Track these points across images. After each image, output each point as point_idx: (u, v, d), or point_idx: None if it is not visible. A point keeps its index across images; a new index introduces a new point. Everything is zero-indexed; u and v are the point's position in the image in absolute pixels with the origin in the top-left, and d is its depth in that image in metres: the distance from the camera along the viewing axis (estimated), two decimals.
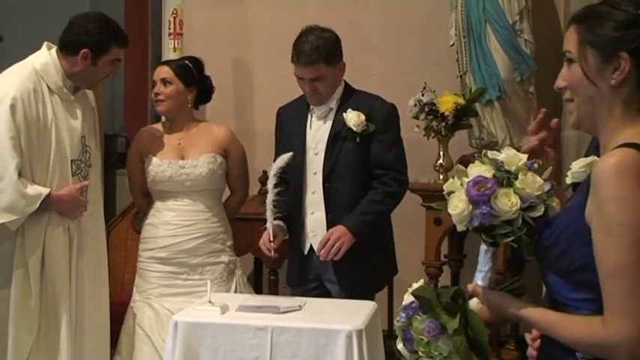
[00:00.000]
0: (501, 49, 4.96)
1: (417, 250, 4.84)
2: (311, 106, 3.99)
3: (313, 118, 3.99)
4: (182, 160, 4.14)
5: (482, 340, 2.02)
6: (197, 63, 4.33)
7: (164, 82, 4.20)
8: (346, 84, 4.02)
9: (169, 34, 5.41)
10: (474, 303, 2.06)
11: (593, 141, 2.85)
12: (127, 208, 5.29)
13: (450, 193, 2.02)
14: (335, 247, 3.81)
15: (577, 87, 1.93)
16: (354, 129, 3.85)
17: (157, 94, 4.21)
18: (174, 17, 5.38)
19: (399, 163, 3.94)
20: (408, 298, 2.14)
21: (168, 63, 4.36)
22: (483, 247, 2.06)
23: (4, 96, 3.62)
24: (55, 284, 3.73)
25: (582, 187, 1.84)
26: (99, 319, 3.94)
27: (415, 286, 2.16)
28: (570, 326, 1.83)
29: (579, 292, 1.82)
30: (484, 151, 2.06)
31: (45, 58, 3.76)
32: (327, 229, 3.89)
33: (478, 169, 1.99)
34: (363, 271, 3.90)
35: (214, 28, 5.60)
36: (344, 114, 3.88)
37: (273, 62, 5.55)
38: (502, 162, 1.99)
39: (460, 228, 2.01)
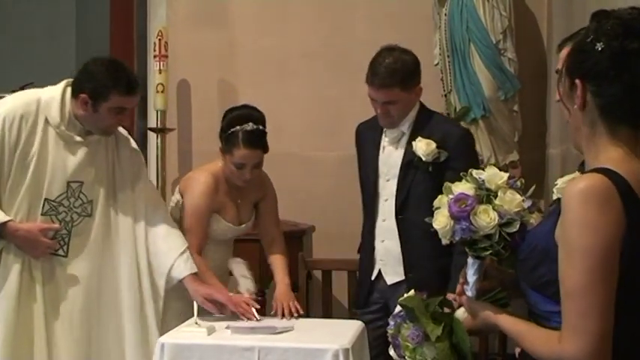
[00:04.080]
0: (485, 68, 5.00)
1: None
2: (384, 129, 3.84)
3: (385, 142, 3.83)
4: (240, 224, 3.95)
5: (464, 347, 2.15)
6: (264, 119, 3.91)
7: (258, 165, 3.85)
8: (421, 106, 3.84)
9: (155, 56, 5.43)
10: (460, 312, 2.18)
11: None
12: None
13: (438, 208, 2.15)
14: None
15: (561, 110, 2.02)
16: (424, 158, 3.68)
17: (247, 178, 3.84)
18: (160, 39, 5.39)
19: None
20: (397, 308, 2.28)
21: (258, 145, 3.81)
22: (470, 260, 2.18)
23: None
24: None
25: (556, 207, 1.91)
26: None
27: (405, 295, 2.29)
28: (533, 339, 1.92)
29: (551, 305, 1.89)
30: (470, 170, 2.17)
31: (55, 92, 3.61)
32: (403, 259, 3.76)
33: (462, 187, 2.13)
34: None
35: (199, 50, 5.62)
36: (413, 142, 3.71)
37: (259, 83, 5.57)
38: (484, 180, 2.12)
39: (445, 242, 2.15)
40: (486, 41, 5.01)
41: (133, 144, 3.84)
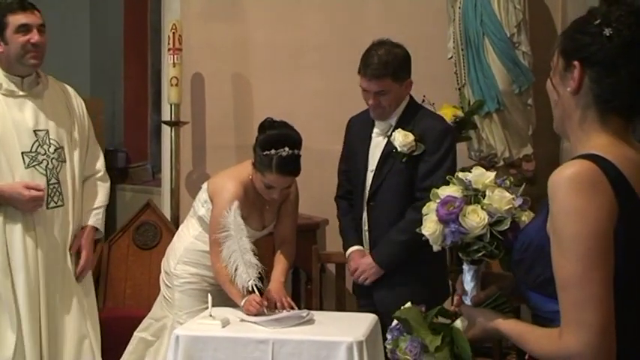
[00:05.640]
0: (499, 61, 4.98)
1: None
2: (375, 121, 3.94)
3: (374, 135, 3.93)
4: (263, 228, 3.99)
5: (465, 357, 2.09)
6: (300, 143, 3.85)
7: (287, 187, 3.88)
8: (410, 100, 3.94)
9: (169, 50, 5.42)
10: (459, 321, 2.12)
11: None
12: (127, 223, 5.29)
13: (426, 215, 2.10)
14: (361, 279, 3.88)
15: (548, 91, 1.96)
16: (399, 149, 3.79)
17: (275, 198, 3.87)
18: (174, 32, 5.38)
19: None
20: (394, 321, 2.21)
21: (291, 172, 3.82)
22: (465, 266, 2.12)
23: None
24: (18, 280, 3.72)
25: (545, 201, 1.83)
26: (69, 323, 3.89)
27: (401, 309, 2.22)
28: (535, 339, 1.85)
29: (553, 304, 1.80)
30: (456, 174, 2.13)
31: None
32: (370, 246, 3.92)
33: (449, 190, 2.07)
34: (411, 287, 3.77)
35: (213, 43, 5.62)
36: (392, 133, 3.83)
37: (272, 76, 5.58)
38: (470, 181, 2.07)
39: (436, 248, 2.09)
40: (500, 35, 4.99)
41: (81, 102, 4.08)
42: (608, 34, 1.80)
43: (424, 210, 2.11)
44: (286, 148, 3.73)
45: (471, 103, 5.03)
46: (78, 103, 4.06)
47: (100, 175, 4.10)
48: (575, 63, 1.84)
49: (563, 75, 1.89)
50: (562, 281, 1.74)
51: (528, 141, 5.11)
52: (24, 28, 3.77)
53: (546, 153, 5.23)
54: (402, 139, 3.79)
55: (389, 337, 2.21)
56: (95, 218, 4.01)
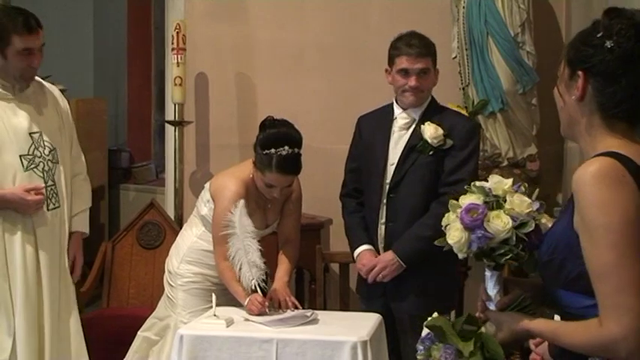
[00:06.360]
0: (503, 61, 4.98)
1: None
2: (395, 115, 3.94)
3: (395, 128, 3.93)
4: (266, 227, 3.98)
5: (498, 359, 2.13)
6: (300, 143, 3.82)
7: (288, 186, 3.85)
8: (433, 98, 3.99)
9: (172, 49, 5.42)
10: (488, 326, 2.17)
11: None
12: (131, 223, 5.29)
13: (447, 226, 2.16)
14: (380, 276, 3.83)
15: (555, 98, 2.04)
16: (429, 141, 3.80)
17: (276, 197, 3.85)
18: (177, 32, 5.39)
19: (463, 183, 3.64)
20: (424, 331, 2.26)
21: (291, 171, 3.80)
22: (488, 273, 2.19)
23: None
24: (16, 283, 3.70)
25: (569, 202, 1.91)
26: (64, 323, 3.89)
27: (429, 319, 2.27)
28: (572, 332, 1.88)
29: (585, 299, 1.87)
30: (472, 182, 2.21)
31: None
32: (385, 237, 3.88)
33: (469, 198, 2.15)
34: (425, 285, 3.84)
35: (217, 43, 5.62)
36: (421, 126, 3.84)
37: (276, 76, 5.58)
38: (490, 189, 2.15)
39: (461, 256, 2.16)
40: (505, 34, 4.99)
41: (66, 103, 4.08)
42: (609, 46, 1.89)
43: (444, 221, 2.17)
44: (286, 147, 3.72)
45: (475, 103, 5.02)
46: (64, 104, 4.05)
47: (83, 175, 4.10)
48: (580, 72, 1.93)
49: (569, 83, 1.97)
50: (597, 270, 1.80)
51: (532, 141, 5.11)
52: (26, 52, 3.71)
53: (550, 153, 5.23)
54: (433, 131, 3.81)
55: (420, 347, 2.25)
56: (84, 223, 4.02)
